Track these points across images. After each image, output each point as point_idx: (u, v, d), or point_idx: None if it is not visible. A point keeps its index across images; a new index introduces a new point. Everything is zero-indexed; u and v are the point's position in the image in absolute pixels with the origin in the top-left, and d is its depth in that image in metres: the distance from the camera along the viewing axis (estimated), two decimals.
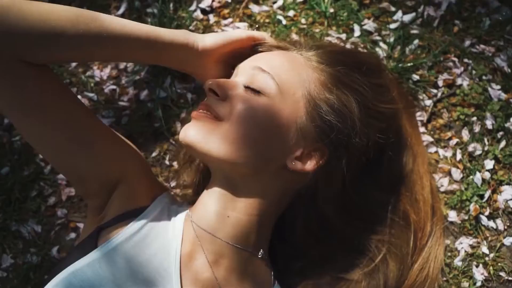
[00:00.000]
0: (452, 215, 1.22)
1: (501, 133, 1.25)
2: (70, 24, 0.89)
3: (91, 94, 1.34)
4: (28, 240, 1.27)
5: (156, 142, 1.30)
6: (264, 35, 1.08)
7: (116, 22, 0.94)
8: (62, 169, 1.03)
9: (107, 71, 1.35)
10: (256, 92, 0.97)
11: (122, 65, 1.35)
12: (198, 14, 1.36)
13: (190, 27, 1.34)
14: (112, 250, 0.94)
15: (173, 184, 1.21)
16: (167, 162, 1.29)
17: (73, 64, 1.37)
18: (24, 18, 0.86)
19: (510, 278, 1.17)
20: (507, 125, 1.25)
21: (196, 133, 0.96)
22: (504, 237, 1.20)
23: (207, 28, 1.36)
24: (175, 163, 1.28)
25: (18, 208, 1.29)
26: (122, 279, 0.93)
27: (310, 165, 0.98)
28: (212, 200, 1.00)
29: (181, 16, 1.34)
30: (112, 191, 1.01)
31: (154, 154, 1.30)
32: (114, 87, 1.34)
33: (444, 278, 1.17)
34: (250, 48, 1.07)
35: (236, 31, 1.05)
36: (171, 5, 1.36)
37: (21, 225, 1.28)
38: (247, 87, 0.98)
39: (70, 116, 0.95)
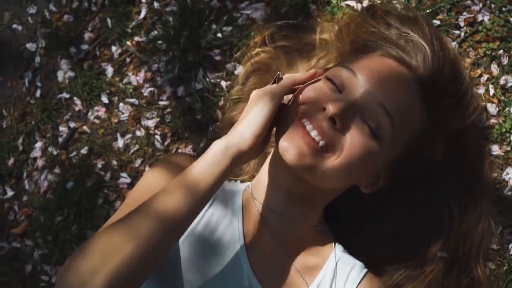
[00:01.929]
0: (495, 149, 1.26)
1: None
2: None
3: (132, 100, 1.42)
4: None
5: (202, 133, 1.37)
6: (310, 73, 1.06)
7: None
8: None
9: (141, 75, 1.41)
10: (374, 135, 0.98)
11: (154, 67, 1.41)
12: (215, 3, 1.41)
13: (211, 17, 1.39)
14: (186, 235, 1.04)
15: None
16: None
17: (110, 75, 1.44)
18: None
19: None
20: None
21: (303, 160, 0.98)
22: None
23: (225, 14, 1.40)
24: None
25: (90, 217, 1.40)
26: (197, 259, 1.03)
27: (380, 182, 1.07)
28: (280, 186, 1.07)
29: (200, 8, 1.39)
30: None
31: (202, 145, 1.37)
32: (151, 88, 1.41)
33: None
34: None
35: (270, 98, 0.98)
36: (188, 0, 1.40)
37: (95, 231, 1.39)
38: (367, 124, 0.98)
39: None
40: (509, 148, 1.26)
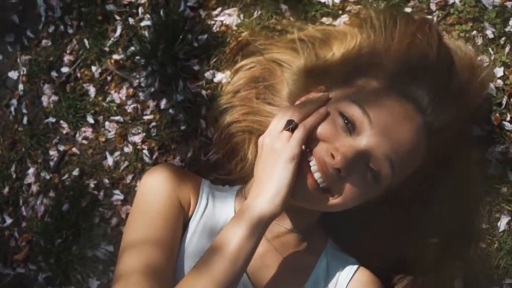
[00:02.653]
0: (477, 129, 1.28)
1: (503, 38, 1.28)
2: None
3: (117, 117, 1.44)
4: (105, 260, 1.41)
5: (188, 143, 1.39)
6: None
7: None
8: None
9: (123, 92, 1.43)
10: (374, 180, 1.00)
11: (135, 83, 1.43)
12: (189, 12, 1.42)
13: (186, 27, 1.40)
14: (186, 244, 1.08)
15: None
16: (203, 158, 1.39)
17: (92, 95, 1.46)
18: None
19: None
20: (507, 29, 1.28)
21: (305, 202, 1.01)
22: None
23: (199, 23, 1.42)
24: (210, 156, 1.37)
25: (88, 237, 1.43)
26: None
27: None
28: None
29: (175, 19, 1.40)
30: None
31: (189, 155, 1.39)
32: (135, 104, 1.43)
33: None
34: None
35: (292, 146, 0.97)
36: (162, 12, 1.42)
37: (95, 250, 1.42)
38: (370, 170, 0.99)
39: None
40: (490, 128, 1.27)
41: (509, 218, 1.25)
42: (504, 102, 1.26)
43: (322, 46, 1.21)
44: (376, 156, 0.99)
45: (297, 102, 1.10)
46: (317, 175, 0.99)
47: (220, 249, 0.93)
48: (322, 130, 1.00)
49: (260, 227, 0.94)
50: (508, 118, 1.26)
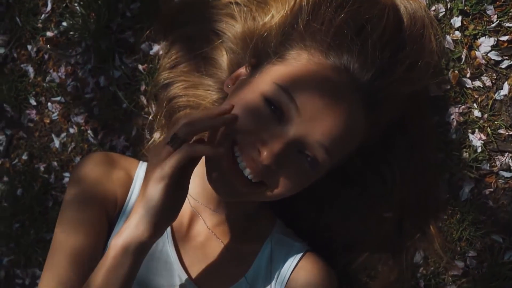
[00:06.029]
0: (434, 89, 1.14)
1: None
2: None
3: (58, 98, 1.37)
4: None
5: (131, 121, 1.33)
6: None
7: None
8: None
9: (62, 70, 1.36)
10: (311, 166, 0.91)
11: (73, 60, 1.35)
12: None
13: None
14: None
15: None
16: (147, 136, 1.32)
17: (32, 75, 1.40)
18: None
19: (511, 133, 1.10)
20: None
21: (235, 196, 0.94)
22: (495, 92, 1.11)
23: None
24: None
25: (44, 220, 1.41)
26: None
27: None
28: (212, 192, 0.99)
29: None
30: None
31: (133, 133, 1.32)
32: (74, 83, 1.36)
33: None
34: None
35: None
36: None
37: (52, 233, 1.40)
38: (304, 156, 0.91)
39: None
40: (448, 87, 1.13)
41: (472, 186, 1.13)
42: (463, 56, 1.11)
43: (260, 9, 1.10)
44: (309, 143, 0.90)
45: (225, 85, 1.01)
46: (247, 172, 0.91)
47: (91, 281, 0.86)
48: (247, 120, 0.90)
49: (128, 258, 0.86)
50: (469, 75, 1.11)
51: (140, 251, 0.86)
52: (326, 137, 0.90)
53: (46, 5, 1.36)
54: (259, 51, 1.01)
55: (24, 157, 1.41)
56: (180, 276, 1.03)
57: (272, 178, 0.93)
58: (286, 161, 0.91)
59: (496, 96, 1.11)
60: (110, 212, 1.05)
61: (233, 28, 1.11)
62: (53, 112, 1.39)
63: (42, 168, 1.40)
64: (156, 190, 0.84)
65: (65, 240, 1.00)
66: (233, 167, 0.91)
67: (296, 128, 0.89)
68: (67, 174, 1.38)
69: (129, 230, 0.85)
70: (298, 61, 0.94)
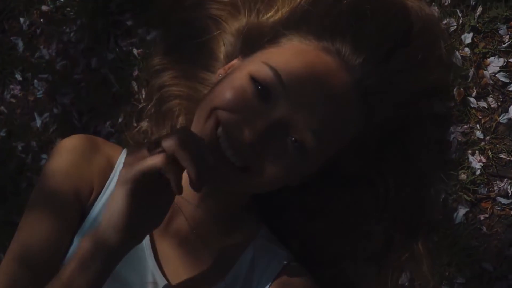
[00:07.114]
0: (438, 105, 1.10)
1: None
2: None
3: (45, 75, 1.32)
4: None
5: (119, 107, 1.27)
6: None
7: None
8: None
9: (53, 47, 1.31)
10: (298, 151, 0.85)
11: (65, 37, 1.30)
12: None
13: None
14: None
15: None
16: (134, 124, 1.26)
17: (21, 49, 1.34)
18: None
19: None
20: None
21: (224, 184, 0.88)
22: (500, 115, 1.07)
23: None
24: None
25: (15, 202, 1.34)
26: None
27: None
28: None
29: None
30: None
31: (120, 120, 1.27)
32: (64, 61, 1.30)
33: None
34: None
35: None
36: None
37: (22, 215, 1.33)
38: (291, 140, 0.86)
39: None
40: (452, 104, 1.09)
41: (467, 209, 1.08)
42: (470, 74, 1.08)
43: (265, 2, 1.06)
44: (296, 126, 0.84)
45: (217, 74, 0.97)
46: (229, 152, 0.85)
47: (58, 279, 0.80)
48: (231, 97, 0.85)
49: (94, 263, 0.79)
50: (474, 94, 1.08)
51: (107, 257, 0.80)
52: (314, 119, 0.85)
53: None
54: (255, 42, 0.97)
55: (2, 133, 1.35)
56: (153, 272, 0.97)
57: (257, 163, 0.87)
58: (271, 144, 0.86)
59: (501, 119, 1.07)
60: (83, 200, 0.99)
61: (235, 19, 1.08)
62: (38, 90, 1.33)
63: (20, 147, 1.33)
64: (119, 193, 0.78)
65: (27, 235, 0.93)
66: (215, 150, 0.86)
67: (282, 108, 0.84)
68: (45, 156, 1.31)
69: (98, 235, 0.79)
70: (289, 43, 0.90)
